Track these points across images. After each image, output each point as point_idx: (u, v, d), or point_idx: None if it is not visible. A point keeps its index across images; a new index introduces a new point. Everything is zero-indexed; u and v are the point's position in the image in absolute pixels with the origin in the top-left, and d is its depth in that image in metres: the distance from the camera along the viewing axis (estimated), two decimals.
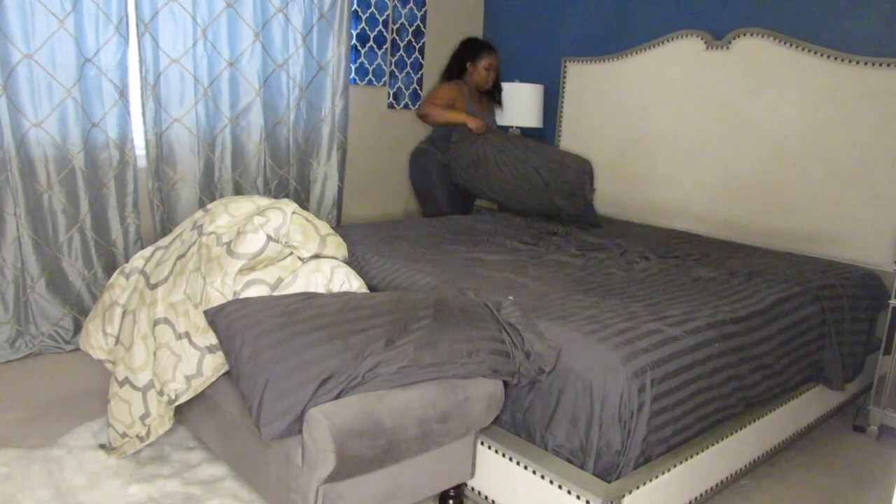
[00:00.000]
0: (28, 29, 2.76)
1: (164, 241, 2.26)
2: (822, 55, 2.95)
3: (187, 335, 1.89)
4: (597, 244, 2.92)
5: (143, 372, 1.98)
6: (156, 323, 1.95)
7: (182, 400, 1.91)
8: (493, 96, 4.00)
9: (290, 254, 2.03)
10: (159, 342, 1.93)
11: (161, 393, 1.92)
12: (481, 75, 3.84)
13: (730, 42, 3.22)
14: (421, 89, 4.24)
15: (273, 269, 1.97)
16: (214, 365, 1.87)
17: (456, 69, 3.90)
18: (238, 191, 3.48)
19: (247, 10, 3.29)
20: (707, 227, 3.38)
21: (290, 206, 2.07)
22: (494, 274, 2.34)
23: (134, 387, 1.99)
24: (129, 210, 3.16)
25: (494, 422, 1.91)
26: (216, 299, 1.87)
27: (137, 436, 2.01)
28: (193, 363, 1.86)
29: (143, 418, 1.99)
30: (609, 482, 1.69)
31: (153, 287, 2.05)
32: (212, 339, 1.85)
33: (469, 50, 3.87)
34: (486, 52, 3.84)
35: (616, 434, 1.69)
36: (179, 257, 2.07)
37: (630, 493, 1.67)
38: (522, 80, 4.06)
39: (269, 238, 1.95)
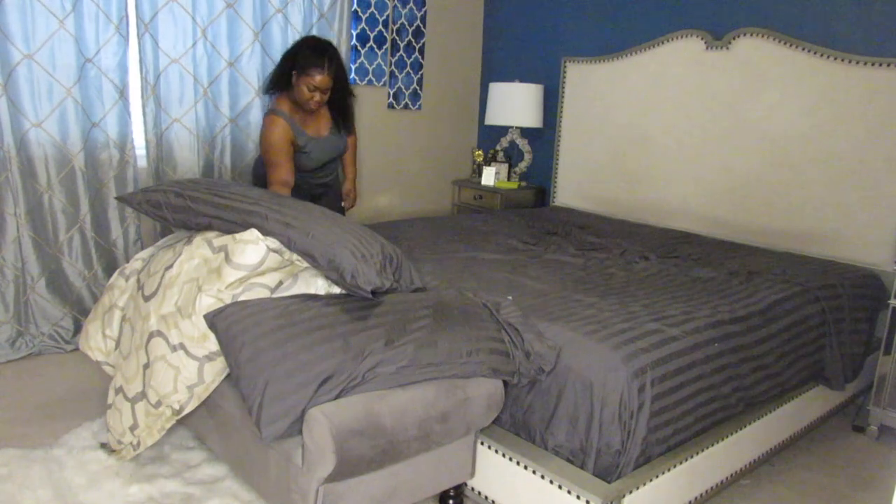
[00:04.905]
0: (28, 29, 2.76)
1: (163, 243, 2.25)
2: (821, 55, 2.95)
3: (182, 346, 1.85)
4: (596, 244, 2.92)
5: (132, 383, 1.95)
6: (150, 336, 1.92)
7: (187, 410, 1.87)
8: (336, 121, 2.96)
9: (291, 263, 2.01)
10: (155, 355, 1.89)
11: (158, 405, 1.88)
12: (302, 94, 2.71)
13: (730, 42, 3.22)
14: (421, 89, 4.24)
15: (273, 273, 1.96)
16: (215, 371, 1.84)
17: (282, 77, 2.77)
18: None
19: (246, 11, 3.29)
20: (707, 227, 3.38)
21: None
22: (494, 274, 2.34)
23: (126, 397, 1.96)
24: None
25: (494, 422, 1.91)
26: (213, 306, 1.85)
27: (131, 444, 2.00)
28: (193, 372, 1.84)
29: (131, 429, 1.96)
30: (609, 482, 1.69)
31: (147, 299, 2.01)
32: (209, 347, 1.82)
33: (299, 57, 2.71)
34: (315, 68, 2.66)
35: (616, 434, 1.69)
36: (167, 268, 2.02)
37: (630, 493, 1.67)
38: (522, 80, 4.06)
39: (270, 249, 1.91)
